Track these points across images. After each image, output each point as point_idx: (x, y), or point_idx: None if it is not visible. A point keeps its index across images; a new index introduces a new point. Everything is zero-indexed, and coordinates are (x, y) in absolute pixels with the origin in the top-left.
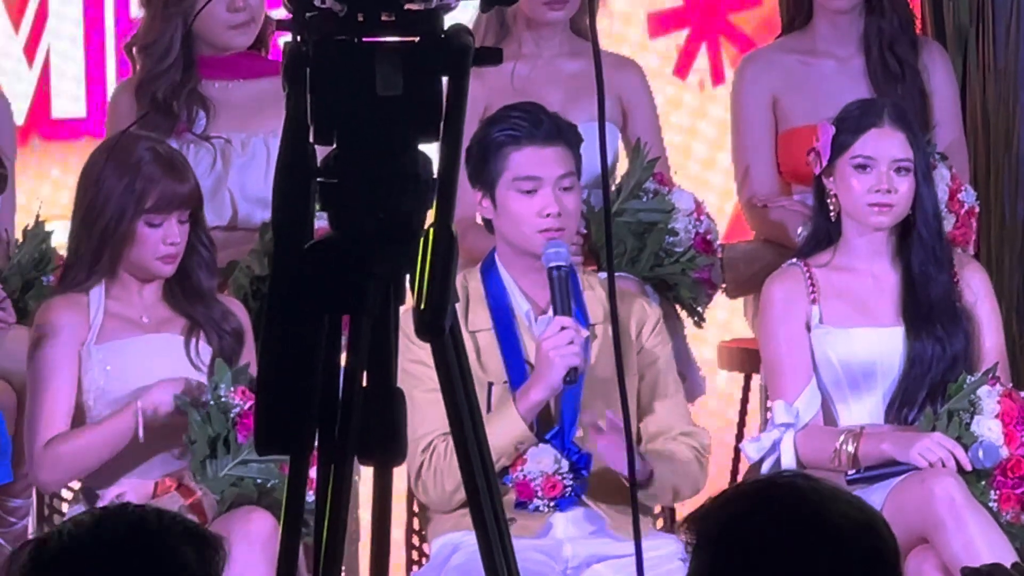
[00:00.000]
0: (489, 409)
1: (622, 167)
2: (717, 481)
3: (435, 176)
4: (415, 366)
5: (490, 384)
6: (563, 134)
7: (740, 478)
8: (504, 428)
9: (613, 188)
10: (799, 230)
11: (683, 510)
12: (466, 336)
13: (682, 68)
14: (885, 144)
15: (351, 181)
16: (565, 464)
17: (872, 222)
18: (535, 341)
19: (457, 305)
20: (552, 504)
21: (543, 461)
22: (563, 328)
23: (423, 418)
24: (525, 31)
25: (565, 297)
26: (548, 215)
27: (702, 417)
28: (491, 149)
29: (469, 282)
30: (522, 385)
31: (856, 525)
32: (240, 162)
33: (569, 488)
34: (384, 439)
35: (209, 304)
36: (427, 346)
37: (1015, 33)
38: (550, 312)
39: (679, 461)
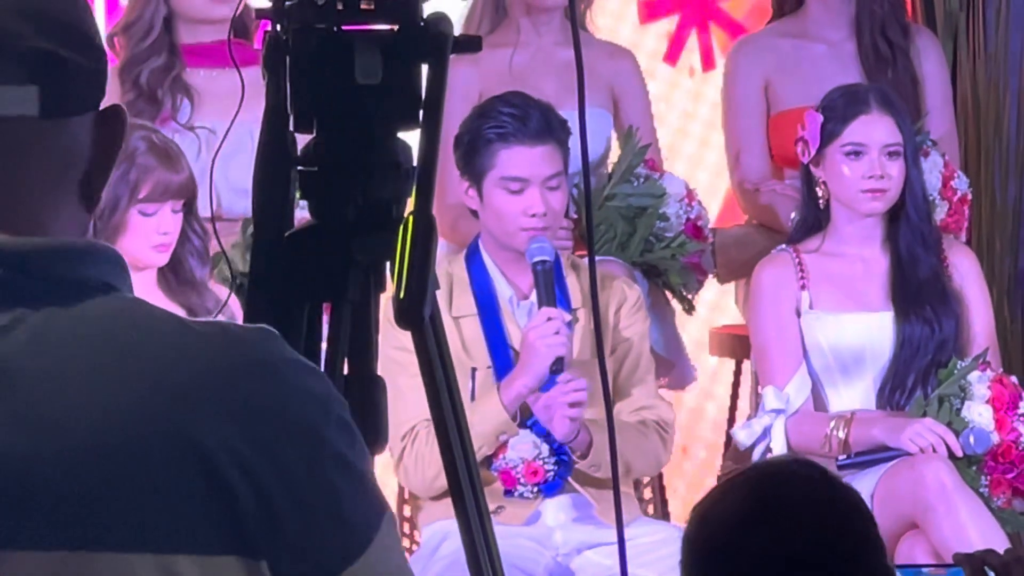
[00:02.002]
0: (473, 395)
1: (614, 155)
2: (708, 467)
3: (415, 164)
4: (399, 352)
5: (473, 370)
6: (552, 132)
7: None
8: (487, 417)
9: (605, 174)
10: (792, 215)
11: (674, 498)
12: (450, 322)
13: (672, 54)
14: (875, 130)
15: (331, 169)
16: (545, 449)
17: (866, 208)
18: (518, 327)
19: (441, 291)
20: (537, 490)
21: (521, 447)
22: (549, 319)
23: (406, 404)
24: (523, 17)
25: (550, 291)
26: (533, 215)
27: (692, 404)
28: (480, 144)
29: (453, 268)
30: (507, 374)
31: (823, 504)
32: (225, 152)
33: (552, 473)
34: (365, 427)
35: (202, 293)
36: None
37: (1005, 18)
38: (532, 297)
39: (626, 431)
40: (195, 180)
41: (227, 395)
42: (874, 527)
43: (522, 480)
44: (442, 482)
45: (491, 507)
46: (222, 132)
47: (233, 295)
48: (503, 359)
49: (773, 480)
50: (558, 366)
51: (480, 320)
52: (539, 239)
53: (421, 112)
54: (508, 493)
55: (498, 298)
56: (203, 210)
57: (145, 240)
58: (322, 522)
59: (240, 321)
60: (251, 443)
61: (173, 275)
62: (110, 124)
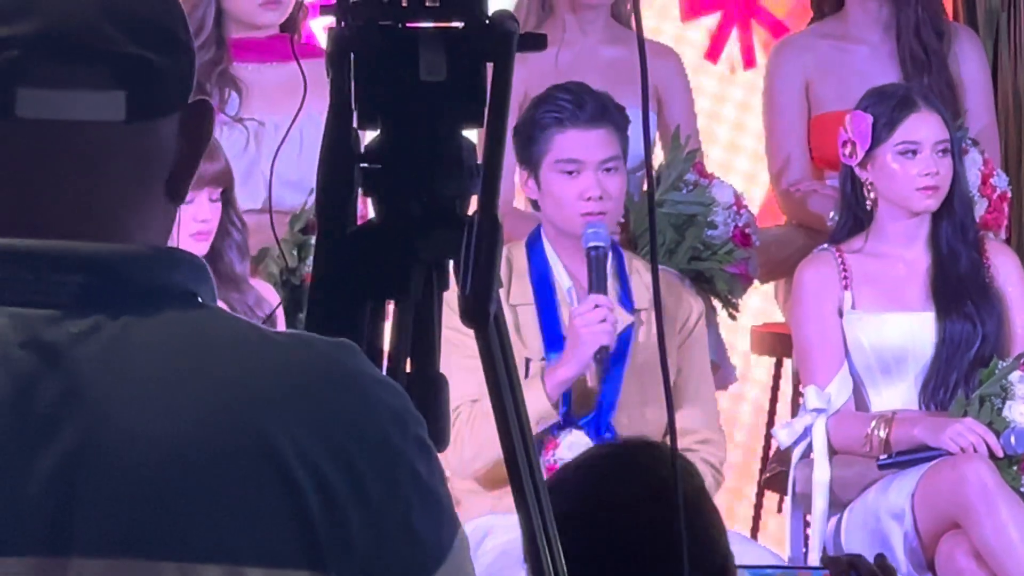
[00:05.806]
0: None
1: (657, 151)
2: (747, 466)
3: (479, 162)
4: (453, 333)
5: (528, 360)
6: (609, 116)
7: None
8: (528, 403)
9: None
10: (831, 214)
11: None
12: (507, 310)
13: (714, 52)
14: (927, 127)
15: (395, 166)
16: None
17: (920, 206)
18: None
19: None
20: None
21: (576, 446)
22: (597, 306)
23: (454, 383)
24: (569, 14)
25: (602, 278)
26: (589, 198)
27: (733, 403)
28: (536, 130)
29: (514, 256)
30: (553, 361)
31: (634, 499)
32: (273, 144)
33: None
34: (427, 425)
35: (242, 288)
36: None
37: None
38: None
39: None
40: (232, 170)
41: (306, 408)
42: (668, 523)
43: None
44: (479, 464)
45: None
46: (270, 124)
47: (274, 290)
48: (557, 351)
49: (591, 477)
50: (602, 354)
51: (536, 310)
52: (595, 224)
53: (486, 110)
54: None
55: (556, 288)
56: (255, 203)
57: (182, 228)
58: (394, 539)
59: (281, 318)
60: (328, 456)
61: (213, 270)
62: (197, 120)
